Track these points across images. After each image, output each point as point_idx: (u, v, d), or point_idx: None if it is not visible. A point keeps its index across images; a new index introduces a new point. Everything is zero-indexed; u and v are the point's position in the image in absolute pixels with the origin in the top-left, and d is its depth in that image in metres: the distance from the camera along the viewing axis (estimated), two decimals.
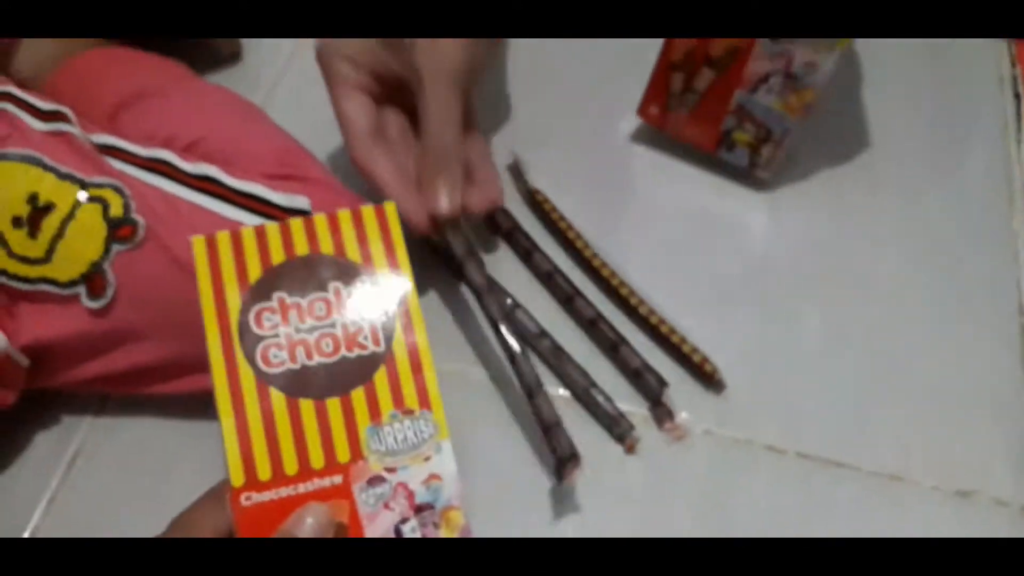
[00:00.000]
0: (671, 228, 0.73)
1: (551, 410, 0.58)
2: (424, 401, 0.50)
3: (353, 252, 0.54)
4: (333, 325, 0.53)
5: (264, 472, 0.48)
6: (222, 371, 0.50)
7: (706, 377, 0.64)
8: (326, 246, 0.55)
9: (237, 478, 0.48)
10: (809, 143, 0.75)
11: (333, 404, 0.50)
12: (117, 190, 0.56)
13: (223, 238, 0.54)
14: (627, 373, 0.64)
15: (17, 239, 0.55)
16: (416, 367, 0.51)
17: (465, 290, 0.67)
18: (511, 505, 0.59)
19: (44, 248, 0.56)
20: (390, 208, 0.56)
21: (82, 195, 0.56)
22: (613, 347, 0.64)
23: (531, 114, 0.79)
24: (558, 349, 0.64)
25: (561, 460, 0.56)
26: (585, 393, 0.62)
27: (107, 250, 0.56)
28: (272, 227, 0.54)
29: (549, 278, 0.68)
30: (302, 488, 0.48)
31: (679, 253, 0.71)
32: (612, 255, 0.70)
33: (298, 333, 0.52)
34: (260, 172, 0.59)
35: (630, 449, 0.61)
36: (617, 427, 0.61)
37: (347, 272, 0.54)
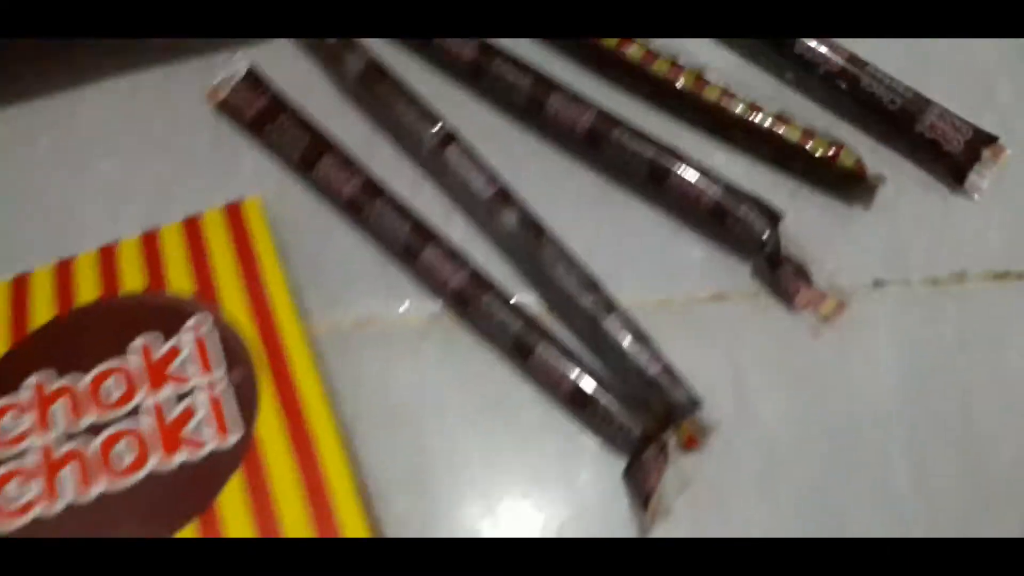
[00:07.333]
0: None
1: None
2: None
3: (182, 281, 0.31)
4: (136, 413, 0.27)
5: None
6: None
7: (847, 178, 0.35)
8: (133, 280, 0.31)
9: None
10: None
11: None
12: None
13: None
14: (696, 213, 0.35)
15: None
16: (306, 455, 0.27)
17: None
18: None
19: None
20: (251, 205, 0.33)
21: None
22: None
23: None
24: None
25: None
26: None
27: None
28: (40, 273, 0.32)
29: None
30: None
31: None
32: None
33: (68, 441, 0.27)
34: None
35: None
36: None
37: (169, 317, 0.30)
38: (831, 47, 0.36)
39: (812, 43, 0.36)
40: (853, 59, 0.36)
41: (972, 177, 0.35)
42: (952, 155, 0.35)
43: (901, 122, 0.35)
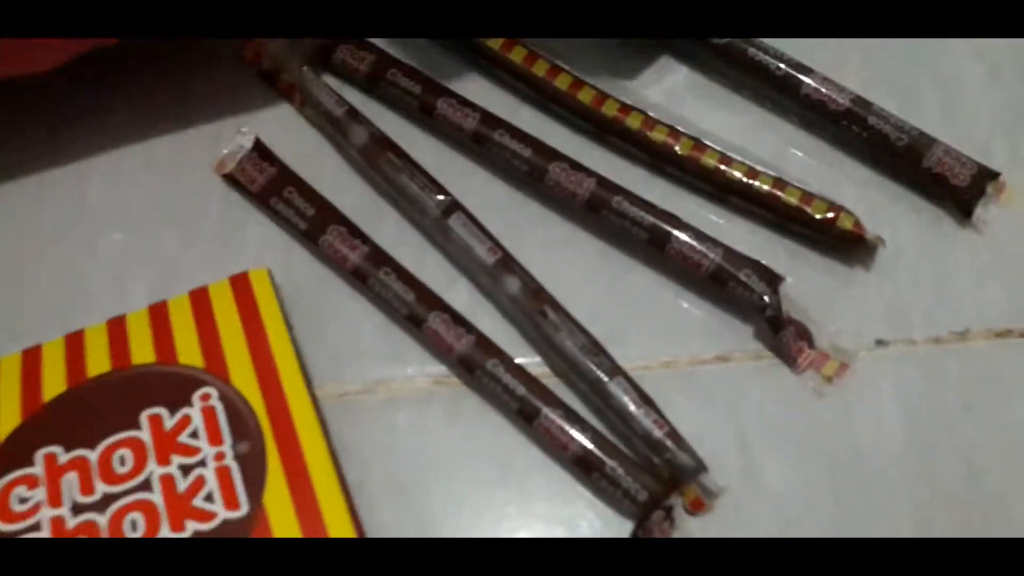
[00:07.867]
0: None
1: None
2: None
3: (191, 352, 0.32)
4: (147, 486, 0.27)
5: None
6: None
7: (846, 239, 0.35)
8: (143, 352, 0.32)
9: None
10: None
11: None
12: None
13: None
14: (697, 278, 0.35)
15: None
16: (313, 525, 0.27)
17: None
18: None
19: None
20: (258, 276, 0.34)
21: None
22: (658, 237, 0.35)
23: None
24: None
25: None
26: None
27: None
28: (51, 346, 0.32)
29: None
30: None
31: None
32: None
33: (78, 515, 0.27)
34: None
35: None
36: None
37: (179, 388, 0.31)
38: (836, 89, 0.37)
39: (816, 85, 0.37)
40: (858, 100, 0.37)
41: (978, 210, 0.36)
42: (959, 188, 0.36)
43: (908, 158, 0.36)
